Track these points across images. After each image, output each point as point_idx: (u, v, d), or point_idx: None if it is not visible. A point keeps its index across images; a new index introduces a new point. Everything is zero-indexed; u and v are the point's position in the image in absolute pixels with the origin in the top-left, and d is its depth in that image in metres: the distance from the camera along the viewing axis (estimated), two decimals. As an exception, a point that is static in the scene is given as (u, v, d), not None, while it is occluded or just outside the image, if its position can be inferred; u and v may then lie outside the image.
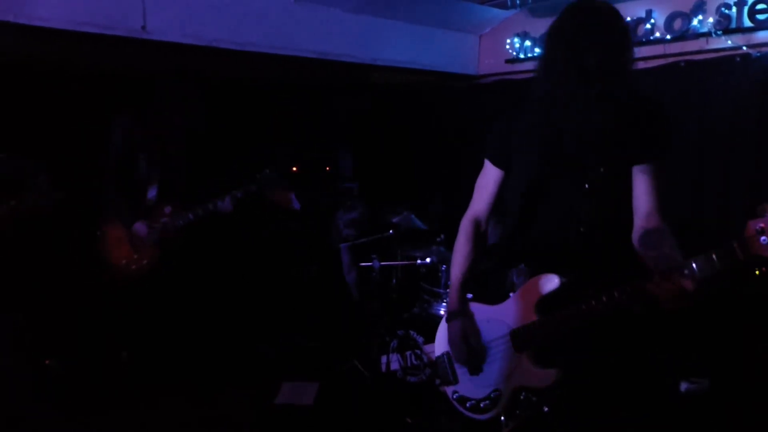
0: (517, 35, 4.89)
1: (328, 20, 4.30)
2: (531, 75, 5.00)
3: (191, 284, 3.85)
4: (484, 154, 2.24)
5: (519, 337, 2.11)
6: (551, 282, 2.04)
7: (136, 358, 3.79)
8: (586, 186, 2.01)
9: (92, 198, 3.55)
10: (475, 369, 2.24)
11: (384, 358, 3.69)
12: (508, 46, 4.94)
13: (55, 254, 3.94)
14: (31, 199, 2.99)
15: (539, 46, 4.76)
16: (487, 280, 2.30)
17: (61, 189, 3.12)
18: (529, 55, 4.81)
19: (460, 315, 2.22)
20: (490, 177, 2.22)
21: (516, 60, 4.92)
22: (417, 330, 3.65)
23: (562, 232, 2.09)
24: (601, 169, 1.98)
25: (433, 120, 5.58)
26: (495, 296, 2.25)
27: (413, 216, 4.14)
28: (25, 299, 3.71)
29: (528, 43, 4.82)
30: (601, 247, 2.09)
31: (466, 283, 2.25)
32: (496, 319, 2.19)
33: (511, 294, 2.18)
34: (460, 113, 5.41)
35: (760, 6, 3.59)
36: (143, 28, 3.55)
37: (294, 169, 4.76)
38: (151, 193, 3.59)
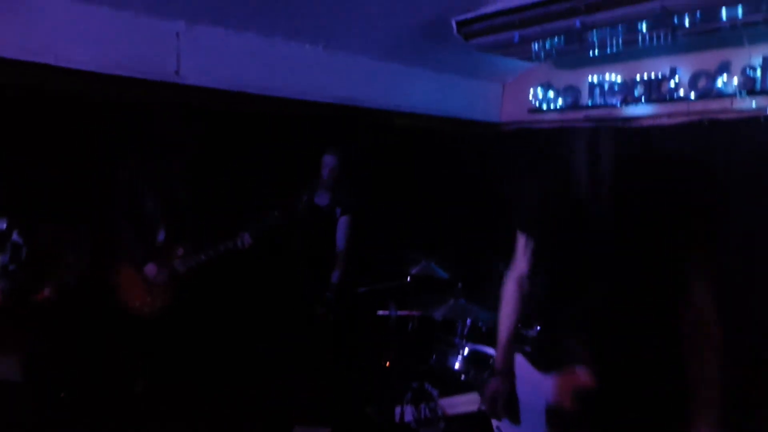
0: (541, 85, 4.94)
1: (356, 67, 4.39)
2: (553, 125, 5.05)
3: (207, 324, 3.87)
4: (513, 222, 2.28)
5: (554, 416, 2.10)
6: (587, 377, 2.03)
7: (151, 390, 3.80)
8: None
9: (107, 237, 3.60)
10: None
11: (398, 409, 3.67)
12: (531, 96, 4.99)
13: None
14: (73, 272, 3.09)
15: (562, 97, 4.81)
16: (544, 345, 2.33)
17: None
18: (552, 106, 4.85)
19: (502, 375, 2.24)
20: (522, 242, 2.26)
21: (538, 110, 4.96)
22: (432, 383, 3.63)
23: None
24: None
25: (455, 165, 5.61)
26: (548, 361, 2.26)
27: (433, 264, 4.14)
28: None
29: (551, 94, 4.87)
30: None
31: (512, 341, 2.27)
32: (539, 387, 2.19)
33: (555, 372, 2.18)
34: (482, 159, 5.44)
35: (785, 70, 3.62)
36: (176, 72, 3.66)
37: None
38: (161, 234, 3.64)
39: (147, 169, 3.60)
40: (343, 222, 4.50)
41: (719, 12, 3.19)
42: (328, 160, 4.27)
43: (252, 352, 4.31)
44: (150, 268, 3.54)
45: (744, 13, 3.16)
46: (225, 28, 3.78)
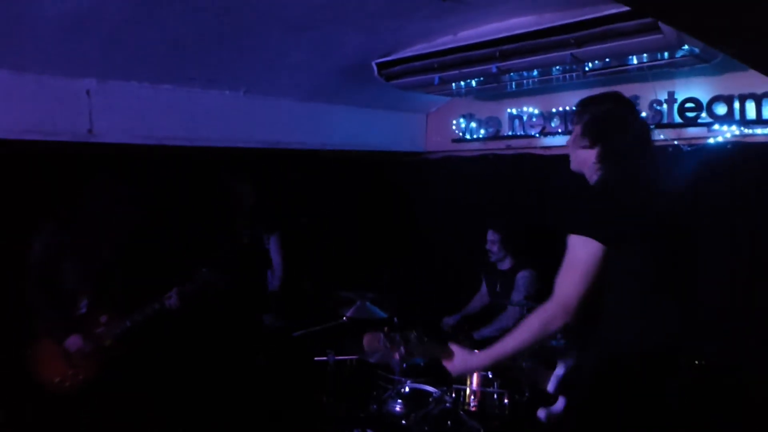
0: (463, 116, 5.04)
1: (278, 110, 4.34)
2: (477, 153, 5.14)
3: (137, 391, 3.71)
4: None
5: None
6: None
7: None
8: None
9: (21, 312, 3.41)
10: None
11: (341, 457, 3.67)
12: (454, 127, 5.09)
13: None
14: None
15: (484, 128, 4.92)
16: None
17: None
18: (475, 136, 4.96)
19: None
20: None
21: (462, 140, 5.06)
22: (374, 428, 3.64)
23: None
24: None
25: (383, 198, 5.65)
26: None
27: (368, 304, 4.14)
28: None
29: (473, 124, 4.97)
30: None
31: None
32: None
33: None
34: (410, 190, 5.51)
35: (688, 105, 3.83)
36: (90, 131, 3.50)
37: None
38: (83, 304, 3.47)
39: (65, 237, 3.42)
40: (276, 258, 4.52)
41: (626, 58, 3.34)
42: (245, 189, 4.32)
43: (187, 407, 4.20)
44: (73, 341, 3.36)
45: (648, 59, 3.33)
46: (139, 81, 3.65)
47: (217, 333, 4.32)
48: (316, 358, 3.95)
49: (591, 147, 2.28)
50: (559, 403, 2.36)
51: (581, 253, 2.07)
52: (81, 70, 3.38)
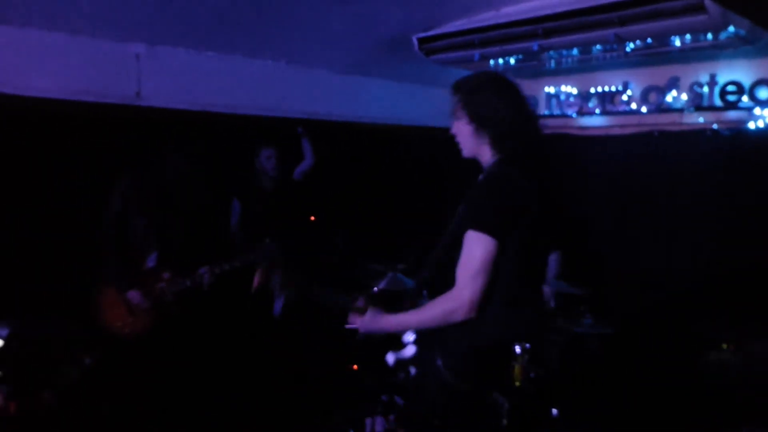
0: (499, 94, 5.03)
1: (318, 81, 4.40)
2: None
3: (188, 349, 3.86)
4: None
5: None
6: None
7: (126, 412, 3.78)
8: None
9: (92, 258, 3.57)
10: None
11: (368, 421, 3.78)
12: (489, 104, 5.09)
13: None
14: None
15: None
16: None
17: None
18: (511, 114, 4.96)
19: None
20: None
21: (498, 118, 5.06)
22: (401, 395, 3.73)
23: None
24: None
25: (417, 173, 5.69)
26: None
27: (400, 275, 4.22)
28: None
29: (509, 102, 4.97)
30: None
31: None
32: None
33: None
34: (444, 166, 5.54)
35: (730, 88, 3.80)
36: (137, 94, 3.61)
37: (312, 218, 4.88)
38: (151, 259, 3.63)
39: (139, 193, 3.58)
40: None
41: (669, 39, 3.32)
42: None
43: (226, 366, 4.35)
44: (134, 295, 3.52)
45: (692, 40, 3.31)
46: (185, 48, 3.74)
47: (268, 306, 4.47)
48: (346, 326, 4.06)
49: (480, 130, 2.27)
50: (409, 350, 2.53)
51: (479, 250, 2.10)
52: (131, 35, 3.48)
